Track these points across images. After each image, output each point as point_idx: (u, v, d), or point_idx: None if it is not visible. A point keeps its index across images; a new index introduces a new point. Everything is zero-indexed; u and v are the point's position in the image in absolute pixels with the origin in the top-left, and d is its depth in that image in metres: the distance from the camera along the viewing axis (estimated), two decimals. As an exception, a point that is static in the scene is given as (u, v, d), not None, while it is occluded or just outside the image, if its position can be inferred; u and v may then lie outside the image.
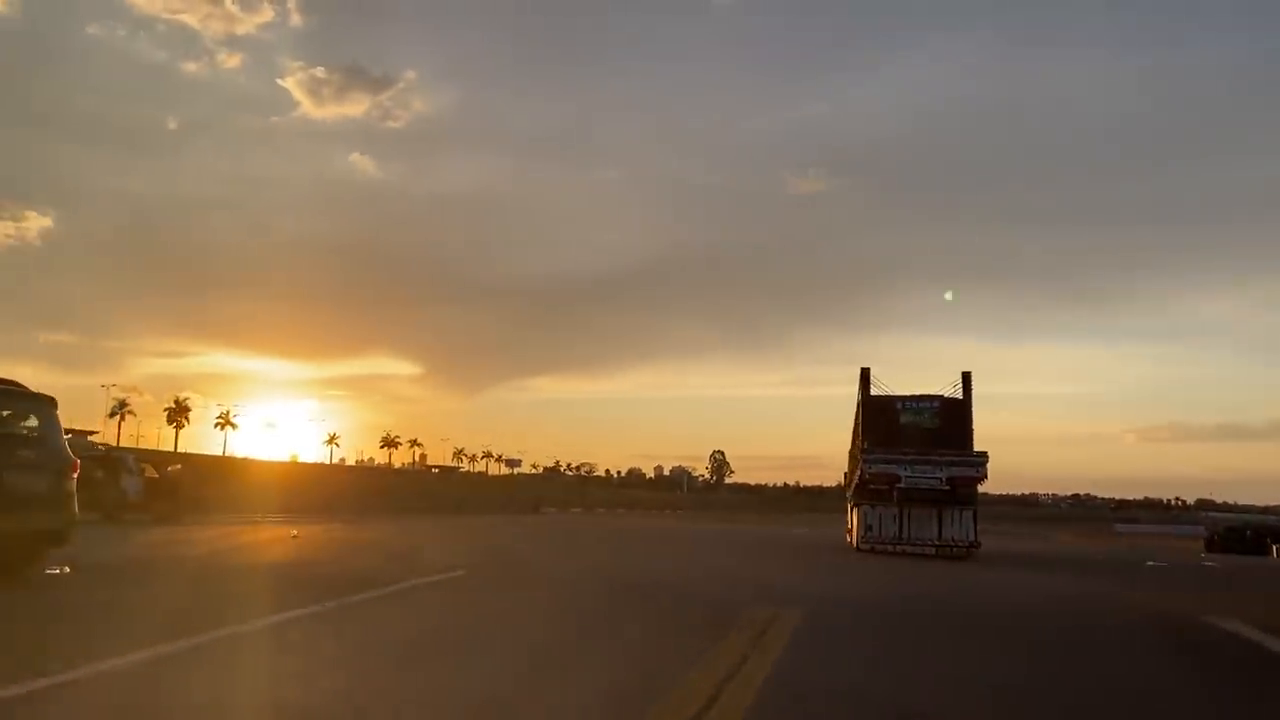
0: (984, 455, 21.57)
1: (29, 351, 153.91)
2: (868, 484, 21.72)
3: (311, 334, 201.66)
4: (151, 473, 25.80)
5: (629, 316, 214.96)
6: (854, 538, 23.17)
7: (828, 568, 17.87)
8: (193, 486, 28.77)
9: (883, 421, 22.66)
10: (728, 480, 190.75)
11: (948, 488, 21.12)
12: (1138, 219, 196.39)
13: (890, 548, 21.65)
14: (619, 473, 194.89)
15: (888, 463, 21.32)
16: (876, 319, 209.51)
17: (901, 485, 21.14)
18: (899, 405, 22.87)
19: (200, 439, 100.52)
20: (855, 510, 23.29)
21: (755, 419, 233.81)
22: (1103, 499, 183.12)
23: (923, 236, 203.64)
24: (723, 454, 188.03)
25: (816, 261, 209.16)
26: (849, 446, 28.64)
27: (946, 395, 22.88)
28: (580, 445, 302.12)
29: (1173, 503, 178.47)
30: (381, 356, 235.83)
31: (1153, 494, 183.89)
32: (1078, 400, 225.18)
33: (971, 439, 22.22)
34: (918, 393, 23.16)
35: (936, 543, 21.42)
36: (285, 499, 42.74)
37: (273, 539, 18.74)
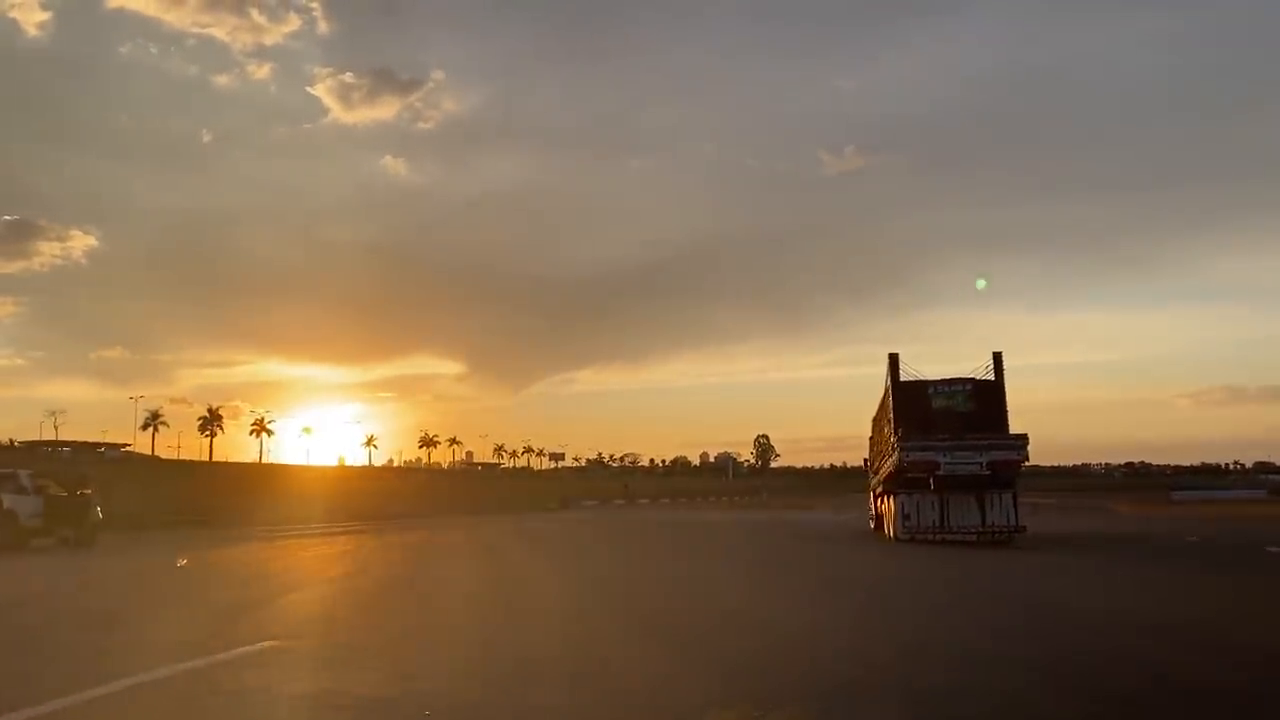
0: (1024, 437, 20.99)
1: (81, 369, 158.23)
2: (905, 472, 21.18)
3: (355, 338, 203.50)
4: (56, 491, 23.08)
5: (670, 305, 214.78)
6: (892, 528, 22.65)
7: (853, 580, 14.49)
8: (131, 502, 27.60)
9: (915, 407, 22.06)
10: (773, 464, 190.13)
11: (988, 472, 20.56)
12: (1182, 180, 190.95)
13: (930, 536, 21.18)
14: (664, 462, 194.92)
15: (926, 450, 20.79)
16: (919, 296, 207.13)
17: (940, 472, 20.59)
18: (930, 390, 22.27)
19: (249, 447, 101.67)
20: (891, 499, 22.78)
21: (800, 401, 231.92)
22: (1157, 466, 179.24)
23: (963, 210, 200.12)
24: (767, 438, 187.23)
25: (857, 241, 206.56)
26: (870, 432, 28.18)
27: (979, 377, 22.23)
28: (626, 436, 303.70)
29: (1230, 467, 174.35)
30: (425, 356, 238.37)
31: (1209, 459, 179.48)
32: (1127, 366, 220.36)
33: (1006, 420, 21.60)
34: (949, 375, 22.56)
35: (979, 529, 20.94)
36: (309, 506, 42.90)
37: (137, 572, 16.75)
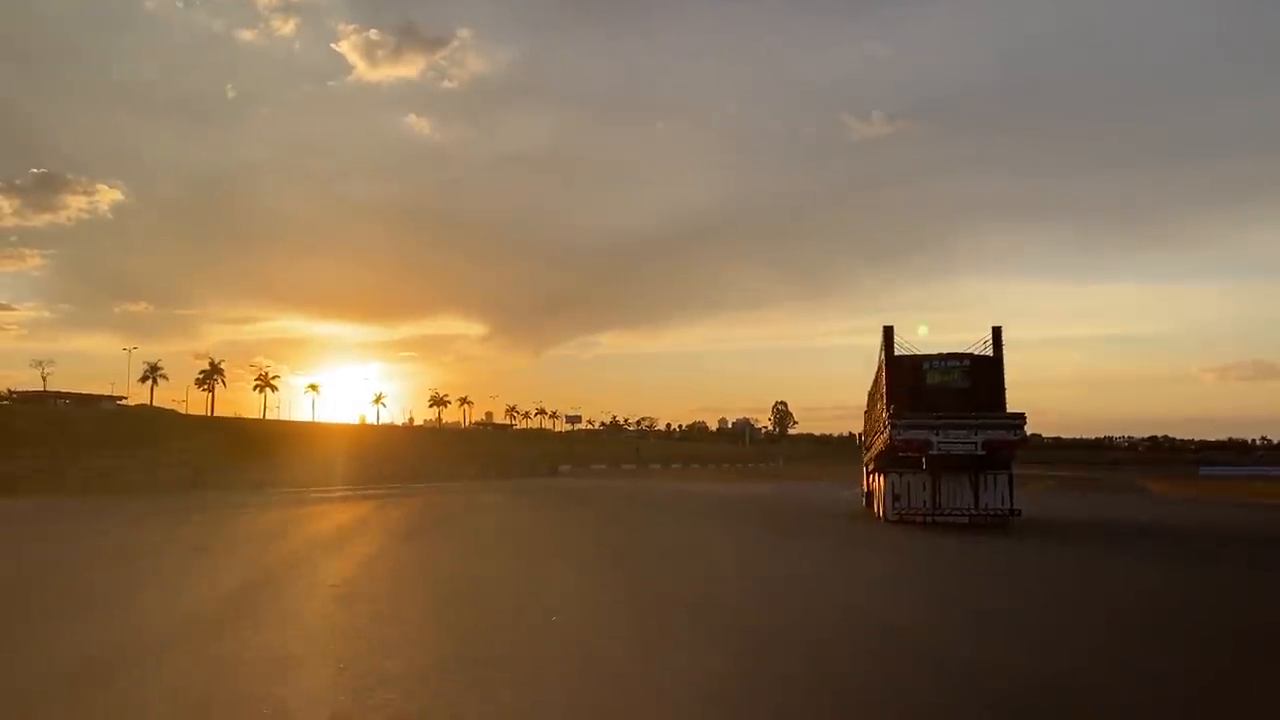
0: (1021, 416, 19.93)
1: (106, 321, 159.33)
2: (896, 451, 20.19)
3: (379, 297, 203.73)
4: None
5: (694, 269, 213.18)
6: (882, 508, 21.67)
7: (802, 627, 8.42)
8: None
9: (909, 383, 21.05)
10: (791, 431, 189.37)
11: (983, 453, 19.51)
12: (1211, 153, 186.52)
13: (921, 518, 20.24)
14: (681, 427, 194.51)
15: (917, 428, 19.78)
16: (943, 264, 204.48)
17: (933, 452, 19.58)
18: (926, 365, 21.19)
19: (258, 403, 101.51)
20: (882, 477, 21.80)
21: (821, 369, 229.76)
22: (1181, 440, 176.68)
23: (989, 178, 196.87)
24: (785, 404, 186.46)
25: (881, 208, 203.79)
26: (865, 406, 27.17)
27: (977, 353, 21.12)
28: (645, 400, 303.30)
29: (1257, 442, 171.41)
30: (448, 317, 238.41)
31: (1234, 434, 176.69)
32: (1152, 340, 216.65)
33: (1004, 398, 20.54)
34: (946, 351, 21.45)
35: (972, 512, 20.02)
36: (280, 467, 41.80)
37: None
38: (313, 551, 15.58)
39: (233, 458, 41.26)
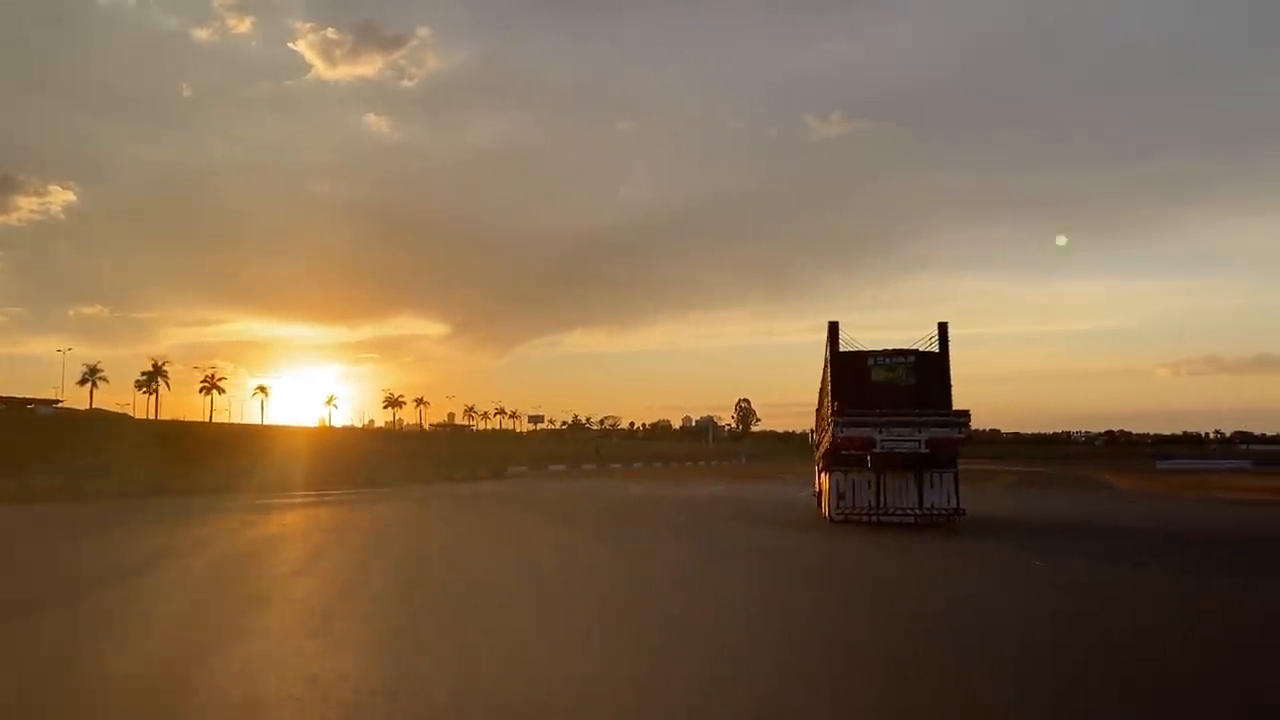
0: (966, 414, 19.53)
1: (61, 325, 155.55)
2: (840, 449, 19.71)
3: (340, 298, 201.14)
4: None
5: (656, 268, 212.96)
6: (827, 507, 21.21)
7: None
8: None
9: (853, 380, 20.55)
10: (754, 428, 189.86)
11: (927, 450, 19.09)
12: (1167, 149, 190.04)
13: (865, 518, 19.81)
14: (645, 425, 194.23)
15: (860, 426, 19.30)
16: (903, 261, 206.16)
17: (876, 450, 19.12)
18: (871, 361, 20.71)
19: (219, 407, 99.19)
20: (827, 476, 21.35)
21: (784, 366, 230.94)
22: (1137, 435, 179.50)
23: (947, 176, 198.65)
24: (748, 402, 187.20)
25: (842, 205, 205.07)
26: (816, 404, 26.76)
27: (922, 349, 20.69)
28: (610, 399, 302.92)
29: (1210, 436, 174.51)
30: (410, 318, 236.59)
31: (1189, 428, 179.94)
32: (1107, 335, 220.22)
33: (950, 395, 20.13)
34: (890, 347, 20.99)
35: (917, 511, 19.60)
36: (202, 473, 39.20)
37: None
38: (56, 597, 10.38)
39: (149, 462, 39.48)
